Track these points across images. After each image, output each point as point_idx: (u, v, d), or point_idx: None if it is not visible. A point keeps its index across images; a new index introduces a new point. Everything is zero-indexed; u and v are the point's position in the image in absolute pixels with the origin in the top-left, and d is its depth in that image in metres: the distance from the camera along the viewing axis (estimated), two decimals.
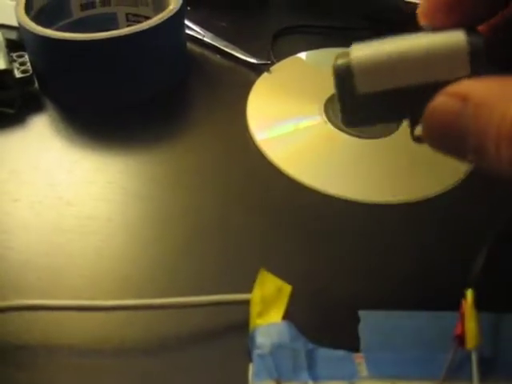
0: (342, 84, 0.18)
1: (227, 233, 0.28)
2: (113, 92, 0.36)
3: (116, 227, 0.29)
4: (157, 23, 0.34)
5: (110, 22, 0.42)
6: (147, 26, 0.33)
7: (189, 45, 0.41)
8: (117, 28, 0.43)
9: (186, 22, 0.43)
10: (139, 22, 0.41)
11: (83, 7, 0.41)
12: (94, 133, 0.34)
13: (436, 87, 0.16)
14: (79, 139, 0.34)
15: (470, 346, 0.22)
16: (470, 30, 0.17)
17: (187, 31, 0.42)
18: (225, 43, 0.40)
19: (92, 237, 0.28)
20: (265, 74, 0.38)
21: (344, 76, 0.17)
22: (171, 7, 0.35)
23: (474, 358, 0.22)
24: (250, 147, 0.33)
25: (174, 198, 0.30)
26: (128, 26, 0.42)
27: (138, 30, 0.33)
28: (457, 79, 0.16)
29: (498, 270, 0.26)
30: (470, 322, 0.23)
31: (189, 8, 0.46)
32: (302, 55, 0.40)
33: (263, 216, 0.29)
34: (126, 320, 0.24)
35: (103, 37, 0.33)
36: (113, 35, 0.33)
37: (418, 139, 0.18)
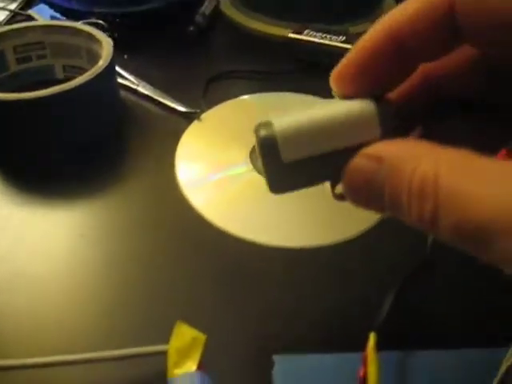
0: (267, 154, 0.19)
1: (151, 285, 0.30)
2: (47, 145, 0.37)
3: (43, 282, 0.30)
4: (86, 80, 0.35)
5: (47, 73, 0.44)
6: (75, 84, 0.35)
7: (124, 94, 0.43)
8: (55, 78, 0.44)
9: (121, 72, 0.44)
10: (76, 72, 0.43)
11: (19, 61, 0.42)
12: (26, 186, 0.35)
13: (353, 150, 0.18)
14: (11, 193, 0.35)
15: None
16: (379, 97, 0.19)
17: (122, 81, 0.43)
18: (158, 92, 0.42)
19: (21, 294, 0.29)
20: (195, 122, 0.40)
21: (269, 146, 0.18)
22: (100, 63, 0.37)
23: None
24: (178, 198, 0.34)
25: (103, 250, 0.31)
26: (65, 76, 0.44)
27: (66, 88, 0.35)
28: (370, 141, 0.18)
29: (404, 311, 0.28)
30: (371, 365, 0.24)
31: (125, 56, 0.48)
32: (233, 102, 0.42)
33: (188, 267, 0.31)
34: (47, 375, 0.25)
35: (32, 97, 0.34)
36: (42, 95, 0.34)
37: (339, 197, 0.20)
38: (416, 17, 0.18)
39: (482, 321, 0.28)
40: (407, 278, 0.30)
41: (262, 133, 0.19)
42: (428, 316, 0.29)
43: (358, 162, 0.18)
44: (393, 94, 0.21)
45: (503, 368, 0.24)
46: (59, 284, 0.30)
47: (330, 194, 0.21)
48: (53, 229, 0.33)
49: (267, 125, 0.19)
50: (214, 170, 0.36)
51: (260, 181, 0.35)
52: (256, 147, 0.19)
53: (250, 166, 0.36)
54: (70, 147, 0.38)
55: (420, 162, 0.16)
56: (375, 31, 0.19)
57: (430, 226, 0.15)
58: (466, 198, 0.14)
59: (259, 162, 0.19)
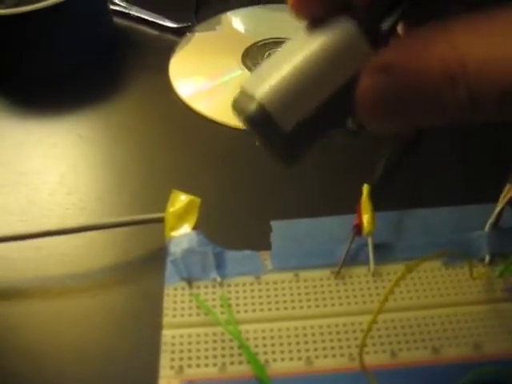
0: (263, 131, 0.16)
1: (150, 166, 0.31)
2: (43, 63, 0.38)
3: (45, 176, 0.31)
4: None
5: None
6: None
7: (116, 19, 0.43)
8: None
9: None
10: None
11: None
12: (25, 103, 0.36)
13: (352, 80, 0.15)
14: (14, 109, 0.36)
15: (367, 232, 0.24)
16: (348, 11, 0.15)
17: (113, 7, 0.44)
18: (150, 14, 0.42)
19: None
20: (187, 36, 0.40)
21: (262, 122, 0.15)
22: None
23: (370, 242, 0.24)
24: (172, 102, 0.35)
25: (100, 147, 0.32)
26: None
27: (57, 1, 0.35)
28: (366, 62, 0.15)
29: (397, 176, 0.29)
30: (366, 212, 0.25)
31: None
32: (223, 16, 0.42)
33: (182, 152, 0.31)
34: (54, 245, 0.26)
35: (26, 10, 0.35)
36: (36, 8, 0.35)
37: (357, 130, 0.17)
38: None
39: (474, 180, 0.29)
40: (398, 147, 0.30)
41: (248, 109, 0.15)
42: (421, 176, 0.29)
43: (364, 83, 0.15)
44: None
45: (498, 208, 0.25)
46: (61, 176, 0.31)
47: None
48: (53, 132, 0.34)
49: (247, 96, 0.16)
50: (209, 77, 0.37)
51: None
52: (246, 126, 0.16)
53: (243, 69, 0.37)
54: (70, 60, 0.38)
55: (431, 46, 0.14)
56: None
57: (470, 108, 0.14)
58: (500, 58, 0.13)
59: (256, 141, 0.16)
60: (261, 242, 0.25)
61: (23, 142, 0.33)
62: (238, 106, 0.16)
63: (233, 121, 0.32)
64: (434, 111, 0.14)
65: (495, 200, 0.24)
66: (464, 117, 0.14)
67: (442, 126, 0.15)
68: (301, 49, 0.15)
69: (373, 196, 0.25)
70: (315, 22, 0.16)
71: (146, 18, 0.42)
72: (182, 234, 0.25)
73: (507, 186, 0.24)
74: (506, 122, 0.14)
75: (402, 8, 0.17)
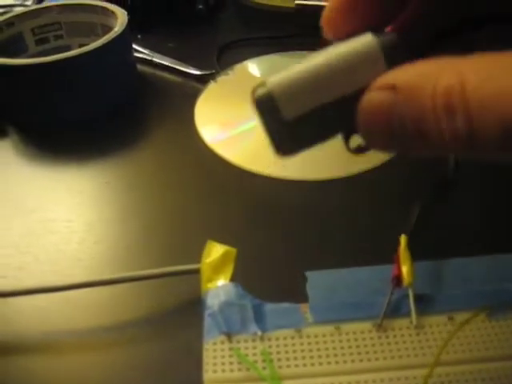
0: (266, 115, 0.17)
1: (180, 215, 0.31)
2: (70, 109, 0.38)
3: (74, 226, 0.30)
4: (103, 43, 0.36)
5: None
6: (94, 47, 0.36)
7: (140, 67, 0.44)
8: None
9: (136, 47, 0.46)
10: None
11: (38, 42, 0.44)
12: (52, 150, 0.36)
13: (360, 93, 0.16)
14: (41, 156, 0.36)
15: (407, 283, 0.24)
16: (376, 29, 0.17)
17: (137, 55, 0.45)
18: (173, 61, 0.43)
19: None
20: (211, 84, 0.41)
21: (267, 106, 0.17)
22: (116, 29, 0.38)
23: (410, 293, 0.24)
24: (199, 149, 0.35)
25: (128, 195, 0.32)
26: None
27: (85, 50, 0.36)
28: (375, 77, 0.16)
29: (432, 225, 0.28)
30: (405, 263, 0.24)
31: (139, 36, 0.49)
32: (246, 63, 0.43)
33: (213, 200, 0.31)
34: (85, 297, 0.26)
35: (51, 60, 0.36)
36: (61, 58, 0.36)
37: (355, 150, 0.18)
38: None
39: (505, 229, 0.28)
40: (431, 195, 0.30)
41: (258, 93, 0.17)
42: (455, 227, 0.29)
43: (370, 97, 0.15)
44: (394, 26, 0.19)
45: None
46: (89, 224, 0.30)
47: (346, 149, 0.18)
48: (80, 180, 0.34)
49: (262, 84, 0.17)
50: (233, 124, 0.37)
51: None
52: (254, 110, 0.17)
53: None
54: (96, 108, 0.39)
55: (440, 75, 0.14)
56: None
57: (469, 141, 0.14)
58: (505, 93, 0.13)
59: (261, 126, 0.17)
60: (299, 294, 0.25)
61: (51, 189, 0.33)
62: (252, 93, 0.17)
63: (261, 168, 0.32)
64: (430, 138, 0.14)
65: None
66: (462, 150, 0.14)
67: (441, 154, 0.15)
68: (320, 53, 0.17)
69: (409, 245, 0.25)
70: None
71: (169, 65, 0.43)
72: (219, 285, 0.24)
73: None
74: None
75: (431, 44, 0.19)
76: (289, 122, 0.17)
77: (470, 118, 0.13)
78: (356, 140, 0.17)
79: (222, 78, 0.41)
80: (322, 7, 0.52)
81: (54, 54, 0.44)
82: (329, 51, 0.17)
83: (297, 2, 0.48)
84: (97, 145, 0.36)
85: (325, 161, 0.33)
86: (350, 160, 0.33)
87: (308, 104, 0.16)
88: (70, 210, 0.32)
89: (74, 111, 0.38)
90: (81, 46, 0.45)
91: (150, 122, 0.38)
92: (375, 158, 0.33)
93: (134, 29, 0.49)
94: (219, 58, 0.44)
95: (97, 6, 0.42)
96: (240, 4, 0.55)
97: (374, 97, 0.15)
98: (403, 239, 0.25)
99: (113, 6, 0.41)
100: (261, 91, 0.17)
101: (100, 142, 0.37)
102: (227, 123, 0.37)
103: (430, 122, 0.14)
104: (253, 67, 0.43)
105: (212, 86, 0.41)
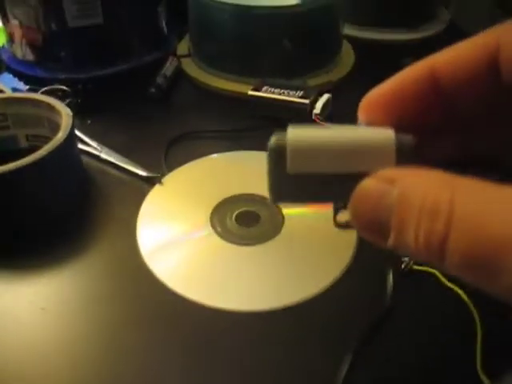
0: (273, 161, 0.18)
1: (114, 351, 0.30)
2: (14, 220, 0.38)
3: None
4: (42, 155, 0.36)
5: (11, 143, 0.44)
6: (32, 160, 0.35)
7: (87, 160, 0.43)
8: (19, 147, 0.45)
9: (84, 138, 0.45)
10: (40, 141, 0.43)
11: None
12: None
13: (362, 175, 0.17)
14: None
15: None
16: (400, 129, 0.18)
17: (85, 147, 0.44)
18: (120, 158, 0.43)
19: None
20: (156, 186, 0.40)
21: (277, 154, 0.18)
22: (59, 135, 0.38)
23: None
24: (139, 267, 0.35)
25: (65, 323, 0.32)
26: (29, 145, 0.45)
27: (24, 163, 0.35)
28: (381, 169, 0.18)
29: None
30: None
31: (89, 122, 0.48)
32: (193, 163, 0.43)
33: (151, 335, 0.31)
34: None
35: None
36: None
37: (340, 225, 0.20)
38: (458, 57, 0.18)
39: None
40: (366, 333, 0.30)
41: (274, 139, 0.18)
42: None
43: (369, 183, 0.17)
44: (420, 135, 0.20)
45: None
46: (20, 355, 0.30)
47: (332, 220, 0.20)
48: (14, 303, 0.33)
49: (282, 135, 0.18)
50: (175, 235, 0.37)
51: (220, 244, 0.36)
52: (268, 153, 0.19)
53: (211, 230, 0.37)
54: (34, 220, 0.38)
55: (434, 185, 0.15)
56: (416, 66, 0.19)
57: (438, 252, 0.15)
58: (479, 222, 0.14)
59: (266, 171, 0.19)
60: None
61: None
62: (273, 136, 0.19)
63: (197, 296, 0.32)
64: (406, 237, 0.16)
65: None
66: (430, 257, 0.15)
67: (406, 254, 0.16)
68: (343, 130, 0.18)
69: None
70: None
71: (116, 163, 0.43)
72: None
73: None
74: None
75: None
76: (290, 175, 0.18)
77: (447, 230, 0.15)
78: (344, 216, 0.19)
79: (168, 179, 0.41)
80: (273, 100, 0.52)
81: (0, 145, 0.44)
82: (350, 131, 0.18)
83: (250, 92, 0.49)
84: (31, 262, 0.35)
85: (260, 292, 0.33)
86: (287, 291, 0.33)
87: (313, 169, 0.18)
88: None
89: (19, 221, 0.38)
90: (27, 136, 0.45)
91: (91, 231, 0.38)
92: (320, 284, 0.33)
93: (85, 112, 0.49)
94: (167, 153, 0.44)
95: (43, 101, 0.41)
96: (195, 87, 0.55)
97: (371, 184, 0.17)
98: None
99: (58, 103, 0.41)
100: (277, 140, 0.18)
101: (37, 257, 0.36)
102: (169, 233, 0.37)
103: (410, 221, 0.15)
104: (200, 167, 0.43)
105: (157, 189, 0.40)
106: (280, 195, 0.19)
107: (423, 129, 0.19)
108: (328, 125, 0.19)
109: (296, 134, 0.18)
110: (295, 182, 0.18)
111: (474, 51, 0.18)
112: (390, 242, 0.16)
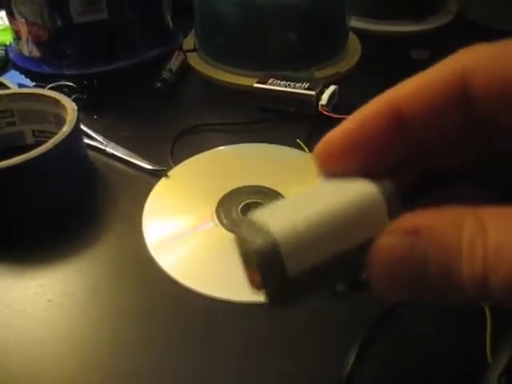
0: (268, 269, 0.15)
1: (120, 343, 0.30)
2: (20, 213, 0.38)
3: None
4: (48, 148, 0.36)
5: (18, 139, 0.45)
6: (38, 153, 0.35)
7: (93, 154, 0.43)
8: (25, 143, 0.45)
9: (90, 133, 0.45)
10: (46, 136, 0.43)
11: None
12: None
13: (364, 245, 0.15)
14: None
15: None
16: (368, 175, 0.17)
17: (91, 142, 0.44)
18: (126, 152, 0.43)
19: None
20: (162, 180, 0.40)
21: (270, 261, 0.15)
22: (64, 129, 0.38)
23: None
24: (146, 260, 0.35)
25: (72, 314, 0.32)
26: (36, 141, 0.45)
27: (30, 157, 0.35)
28: (381, 228, 0.16)
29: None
30: None
31: (95, 117, 0.48)
32: (199, 156, 0.43)
33: (156, 326, 0.31)
34: None
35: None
36: (6, 165, 0.35)
37: (339, 293, 0.18)
38: (421, 90, 0.16)
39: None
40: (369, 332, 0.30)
41: (259, 242, 0.15)
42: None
43: (389, 242, 0.15)
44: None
45: None
46: (27, 346, 0.30)
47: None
48: (21, 296, 0.33)
49: (261, 230, 0.15)
50: (181, 228, 0.37)
51: (227, 237, 0.36)
52: (247, 256, 0.16)
53: (216, 222, 0.37)
54: (40, 213, 0.38)
55: (463, 224, 0.14)
56: (373, 104, 0.17)
57: (481, 287, 0.14)
58: None
59: (257, 277, 0.16)
60: None
61: None
62: (246, 233, 0.15)
63: (200, 285, 0.32)
64: (451, 281, 0.14)
65: None
66: (473, 293, 0.14)
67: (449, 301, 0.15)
68: (319, 200, 0.16)
69: None
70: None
71: (122, 156, 0.43)
72: None
73: None
74: None
75: (430, 194, 0.19)
76: (291, 278, 0.15)
77: (486, 265, 0.14)
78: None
79: (173, 174, 0.41)
80: (279, 92, 0.51)
81: (6, 140, 0.44)
82: (330, 201, 0.16)
83: (255, 85, 0.48)
84: (38, 255, 0.35)
85: None
86: None
87: (313, 260, 0.15)
88: None
89: (20, 215, 0.38)
90: (34, 132, 0.45)
91: (98, 224, 0.38)
92: None
93: (91, 107, 0.49)
94: (173, 146, 0.44)
95: (48, 97, 0.41)
96: (200, 81, 0.55)
97: (392, 242, 0.15)
98: None
99: (64, 98, 0.41)
100: (263, 241, 0.15)
101: (43, 250, 0.36)
102: (174, 226, 0.37)
103: (454, 266, 0.14)
104: (206, 160, 0.43)
105: (163, 182, 0.40)
106: (282, 301, 0.16)
107: (388, 166, 0.18)
108: (289, 197, 0.17)
109: (279, 224, 0.15)
110: (296, 283, 0.15)
111: (439, 80, 0.16)
112: (432, 292, 0.15)
